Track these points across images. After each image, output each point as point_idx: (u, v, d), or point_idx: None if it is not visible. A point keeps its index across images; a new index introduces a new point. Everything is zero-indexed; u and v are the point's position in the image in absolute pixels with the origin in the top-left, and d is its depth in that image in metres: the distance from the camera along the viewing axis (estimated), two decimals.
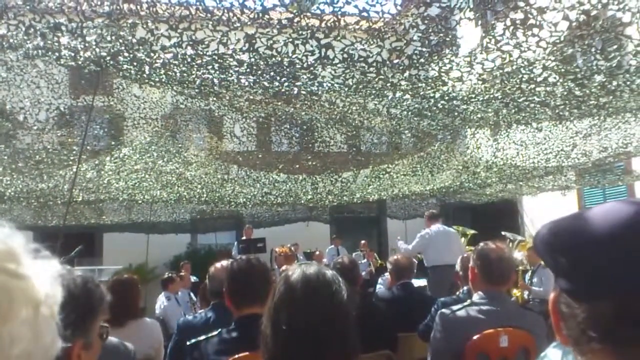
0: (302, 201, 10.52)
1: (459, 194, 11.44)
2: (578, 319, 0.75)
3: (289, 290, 1.51)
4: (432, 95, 3.79)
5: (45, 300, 0.65)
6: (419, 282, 7.13)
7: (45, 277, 0.67)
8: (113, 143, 7.95)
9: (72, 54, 3.32)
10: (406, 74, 3.30)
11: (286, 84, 3.52)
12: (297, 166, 9.01)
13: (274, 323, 1.48)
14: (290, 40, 2.91)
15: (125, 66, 3.50)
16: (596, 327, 0.72)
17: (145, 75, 3.64)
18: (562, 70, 3.42)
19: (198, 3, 2.80)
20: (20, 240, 0.66)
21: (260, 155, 9.18)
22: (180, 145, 8.07)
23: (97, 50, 3.19)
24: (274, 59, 3.02)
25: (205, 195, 9.43)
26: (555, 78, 3.49)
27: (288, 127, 8.00)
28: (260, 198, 9.92)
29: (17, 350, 0.60)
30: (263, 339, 1.51)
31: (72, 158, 7.08)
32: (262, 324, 1.53)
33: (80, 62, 3.45)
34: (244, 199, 9.96)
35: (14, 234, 0.65)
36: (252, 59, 3.06)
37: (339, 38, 2.87)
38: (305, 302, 1.48)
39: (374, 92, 3.65)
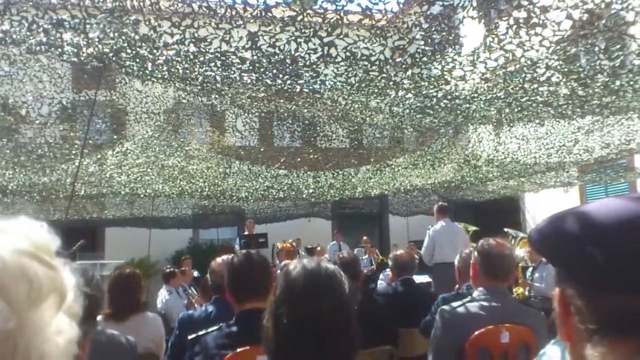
0: (304, 195, 10.52)
1: (460, 190, 11.43)
2: (598, 311, 0.74)
3: (291, 284, 1.51)
4: (434, 94, 3.78)
5: (70, 303, 0.69)
6: (420, 278, 7.13)
7: (71, 282, 0.70)
8: (115, 137, 7.96)
9: (75, 50, 3.32)
10: (409, 72, 3.29)
11: (288, 81, 3.52)
12: (299, 159, 9.01)
13: (275, 317, 1.48)
14: (293, 38, 2.91)
15: (127, 63, 3.50)
16: (623, 319, 0.71)
17: (147, 72, 3.64)
18: (565, 69, 3.41)
19: (201, 0, 2.80)
20: (58, 244, 0.71)
21: (262, 149, 9.19)
22: (182, 140, 8.09)
23: (100, 46, 3.19)
24: (276, 56, 3.02)
25: (207, 190, 9.44)
26: (558, 78, 3.48)
27: (290, 122, 8.00)
28: (262, 192, 9.92)
29: (39, 340, 0.61)
30: (265, 333, 1.51)
31: (74, 152, 7.10)
32: (264, 318, 1.54)
33: (82, 59, 3.46)
34: (246, 193, 9.97)
35: (55, 237, 0.71)
36: (255, 57, 3.05)
37: (341, 36, 2.87)
38: (307, 296, 1.48)
39: (376, 90, 3.65)
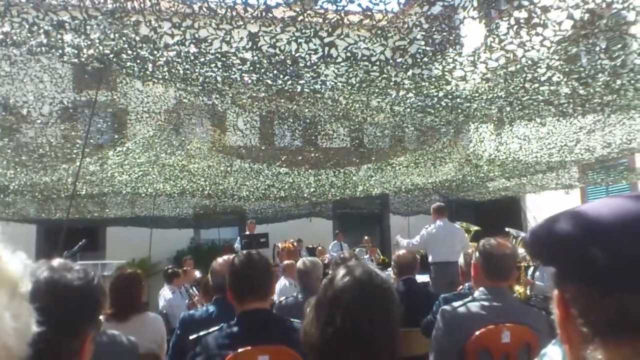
0: (305, 194, 10.50)
1: (462, 191, 11.41)
2: (600, 313, 0.72)
3: (342, 293, 1.49)
4: (435, 94, 3.78)
5: (20, 284, 0.68)
6: (422, 278, 7.13)
7: (18, 267, 0.69)
8: (116, 137, 7.97)
9: (76, 52, 3.32)
10: (409, 72, 3.29)
11: (289, 82, 3.52)
12: (300, 158, 9.01)
13: (321, 324, 1.47)
14: (294, 38, 2.91)
15: (128, 64, 3.51)
16: (626, 320, 0.70)
17: (148, 73, 3.64)
18: (566, 69, 3.41)
19: (201, 1, 2.80)
20: None
21: (263, 148, 9.19)
22: (183, 139, 8.10)
23: (101, 48, 3.19)
24: (277, 57, 3.02)
25: (208, 189, 9.44)
26: (559, 77, 3.48)
27: (291, 121, 8.00)
28: (263, 191, 9.92)
29: None
30: (308, 339, 1.49)
31: (75, 151, 7.10)
32: (305, 321, 1.52)
33: (83, 60, 3.46)
34: (247, 192, 9.97)
35: None
36: (255, 57, 3.05)
37: (342, 37, 2.87)
38: (359, 306, 1.46)
39: (377, 90, 3.65)
